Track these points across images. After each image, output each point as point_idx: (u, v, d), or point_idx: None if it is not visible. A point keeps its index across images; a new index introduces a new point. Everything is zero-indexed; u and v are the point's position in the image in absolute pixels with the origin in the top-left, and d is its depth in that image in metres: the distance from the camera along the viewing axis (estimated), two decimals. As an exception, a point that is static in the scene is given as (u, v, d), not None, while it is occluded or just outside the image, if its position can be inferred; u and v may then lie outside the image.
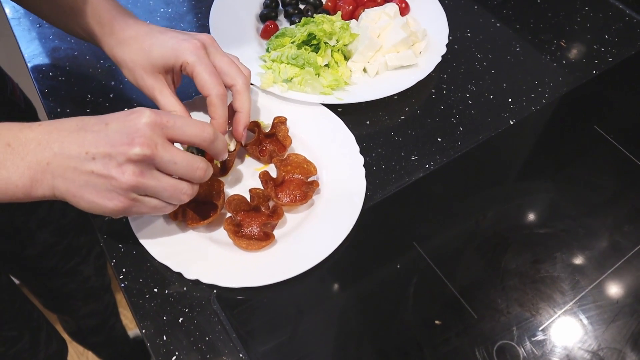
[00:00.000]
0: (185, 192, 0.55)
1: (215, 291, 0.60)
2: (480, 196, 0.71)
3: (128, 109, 0.76)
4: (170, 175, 0.54)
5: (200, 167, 0.55)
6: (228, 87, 0.65)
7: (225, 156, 0.60)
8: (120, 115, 0.52)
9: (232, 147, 0.68)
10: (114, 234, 0.65)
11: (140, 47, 0.64)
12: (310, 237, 0.63)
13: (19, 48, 0.84)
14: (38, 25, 0.87)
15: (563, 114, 0.81)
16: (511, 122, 0.78)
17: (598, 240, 0.67)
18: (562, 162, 0.75)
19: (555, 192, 0.72)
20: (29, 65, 0.82)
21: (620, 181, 0.74)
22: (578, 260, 0.64)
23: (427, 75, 0.79)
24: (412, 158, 0.73)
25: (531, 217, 0.69)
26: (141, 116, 0.51)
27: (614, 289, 0.63)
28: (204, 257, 0.61)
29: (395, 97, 0.79)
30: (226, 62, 0.65)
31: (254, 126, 0.70)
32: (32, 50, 0.84)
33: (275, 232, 0.63)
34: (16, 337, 0.89)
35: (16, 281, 1.00)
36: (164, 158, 0.51)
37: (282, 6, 0.89)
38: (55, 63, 0.82)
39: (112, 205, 0.51)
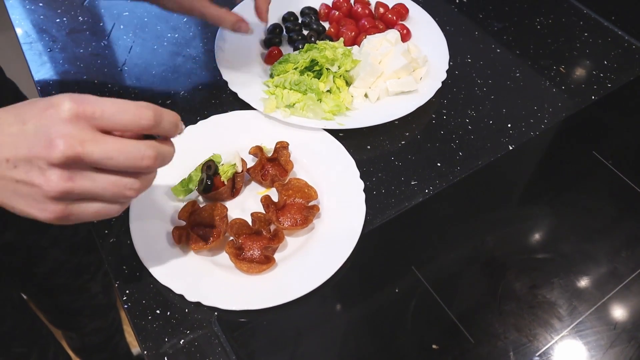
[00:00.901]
0: (130, 187, 0.47)
1: (216, 313, 0.61)
2: (479, 221, 0.72)
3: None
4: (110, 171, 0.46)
5: (147, 156, 0.46)
6: None
7: (177, 133, 0.50)
8: (39, 110, 0.44)
9: (239, 168, 0.69)
10: (119, 256, 0.66)
11: None
12: (310, 260, 0.64)
13: (30, 71, 0.87)
14: (49, 50, 0.89)
15: (562, 140, 0.82)
16: (510, 148, 0.79)
17: (596, 266, 0.67)
18: (561, 188, 0.76)
19: (554, 217, 0.73)
20: (39, 88, 0.84)
21: (619, 207, 0.74)
22: (576, 286, 0.65)
23: (428, 101, 0.81)
24: (412, 183, 0.74)
25: (529, 242, 0.70)
26: (60, 110, 0.43)
27: (612, 315, 0.63)
28: (205, 280, 0.63)
29: (396, 122, 0.80)
30: None
31: (257, 150, 0.72)
32: (43, 74, 0.86)
33: (276, 256, 0.65)
34: (25, 353, 0.90)
35: (23, 297, 1.02)
36: (95, 155, 0.43)
37: (285, 32, 0.91)
38: (65, 87, 0.84)
39: (43, 216, 0.45)
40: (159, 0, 0.71)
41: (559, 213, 0.73)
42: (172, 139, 0.50)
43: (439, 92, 0.83)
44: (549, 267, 0.67)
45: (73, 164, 0.43)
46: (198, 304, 0.61)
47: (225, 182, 0.68)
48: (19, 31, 0.92)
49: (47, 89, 0.84)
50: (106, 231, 0.68)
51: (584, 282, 0.65)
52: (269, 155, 0.73)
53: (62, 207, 0.45)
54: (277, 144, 0.73)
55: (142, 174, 0.48)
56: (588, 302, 0.64)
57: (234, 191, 0.70)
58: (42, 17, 0.94)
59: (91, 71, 0.87)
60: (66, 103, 0.43)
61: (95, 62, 0.89)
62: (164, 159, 0.48)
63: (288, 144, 0.73)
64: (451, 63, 0.88)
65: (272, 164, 0.73)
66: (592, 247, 0.69)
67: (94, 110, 0.43)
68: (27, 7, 0.96)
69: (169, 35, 0.93)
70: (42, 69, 0.87)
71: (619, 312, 0.63)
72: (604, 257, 0.68)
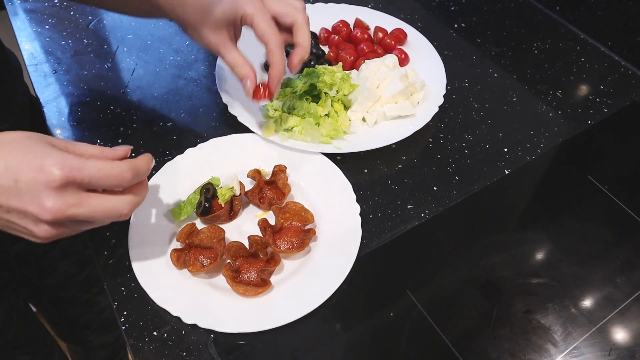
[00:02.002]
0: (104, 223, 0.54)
1: (212, 336, 0.62)
2: (474, 245, 0.72)
3: (136, 155, 0.80)
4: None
5: (124, 214, 0.52)
6: (289, 26, 0.70)
7: (146, 175, 0.56)
8: (30, 171, 0.48)
9: (237, 191, 0.70)
10: (117, 277, 0.67)
11: (200, 5, 0.66)
12: (305, 284, 0.65)
13: (35, 93, 0.89)
14: (54, 72, 0.91)
15: (558, 164, 0.83)
16: (506, 172, 0.80)
17: (591, 291, 0.68)
18: (556, 212, 0.77)
19: (549, 242, 0.74)
20: (44, 109, 0.86)
21: (614, 232, 0.75)
22: (570, 311, 0.65)
23: (425, 125, 0.82)
24: (408, 207, 0.75)
25: (524, 266, 0.70)
26: (50, 178, 0.47)
27: (607, 341, 0.63)
28: (202, 302, 0.63)
29: (393, 146, 0.81)
30: (282, 5, 0.69)
31: (255, 174, 0.73)
32: (47, 96, 0.87)
33: (272, 279, 0.65)
34: None
35: (33, 308, 1.02)
36: (80, 216, 0.50)
37: (286, 56, 0.92)
38: (68, 109, 0.86)
39: (37, 241, 0.52)
40: (186, 29, 0.71)
41: (554, 238, 0.74)
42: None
43: (436, 116, 0.84)
44: (544, 291, 0.67)
45: (61, 222, 0.49)
46: (195, 326, 0.62)
47: (223, 205, 0.69)
48: (25, 53, 0.94)
49: (51, 110, 0.85)
50: (105, 252, 0.69)
51: (578, 307, 0.66)
52: (267, 178, 0.74)
53: (51, 239, 0.52)
54: (275, 167, 0.74)
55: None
56: (583, 327, 0.64)
57: (231, 214, 0.71)
58: (47, 39, 0.96)
59: (95, 93, 0.88)
60: (56, 171, 0.47)
61: (98, 83, 0.90)
62: (136, 207, 0.55)
63: (286, 168, 0.74)
64: (449, 87, 0.90)
65: (269, 187, 0.74)
66: (587, 272, 0.70)
67: (82, 178, 0.49)
68: (34, 29, 0.98)
69: (171, 58, 0.95)
70: (46, 90, 0.88)
71: (614, 338, 0.64)
72: (599, 282, 0.69)
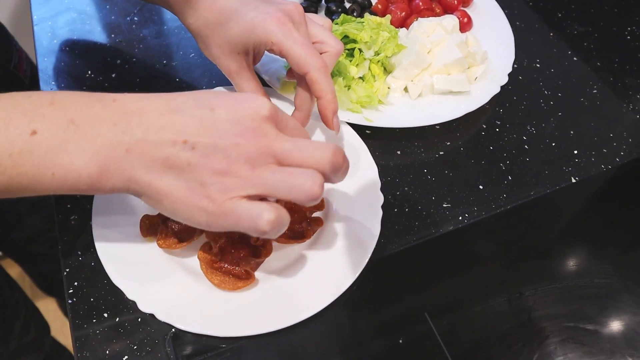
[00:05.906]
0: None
1: (173, 330, 0.50)
2: (518, 268, 0.58)
3: (129, 92, 0.67)
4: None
5: (338, 152, 0.41)
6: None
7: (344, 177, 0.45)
8: (229, 100, 0.41)
9: None
10: (77, 238, 0.55)
11: (217, 20, 0.54)
12: (299, 286, 0.52)
13: (30, 10, 0.77)
14: (57, -12, 0.79)
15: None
16: (573, 180, 0.64)
17: (663, 351, 0.52)
18: (631, 242, 0.61)
19: (617, 279, 0.58)
20: (35, 28, 0.74)
21: (702, 277, 0.59)
22: (633, 374, 0.51)
23: (480, 107, 0.67)
24: (444, 205, 0.60)
25: (580, 306, 0.55)
26: (260, 107, 0.41)
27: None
28: (167, 288, 0.51)
29: (437, 127, 0.66)
30: (317, 31, 0.56)
31: None
32: (43, 14, 0.76)
33: (258, 272, 0.52)
34: None
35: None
36: (285, 148, 0.40)
37: (324, 2, 0.78)
38: (63, 32, 0.74)
39: (204, 215, 0.40)
40: (197, 41, 0.59)
41: (624, 275, 0.58)
42: None
43: (495, 99, 0.69)
44: (600, 344, 0.52)
45: (263, 156, 0.40)
46: (153, 316, 0.49)
47: None
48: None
49: (43, 30, 0.73)
50: (68, 205, 0.57)
51: (644, 370, 0.51)
52: None
53: (234, 204, 0.40)
54: None
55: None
56: (646, 398, 0.49)
57: None
58: (56, -52, 0.84)
59: (97, 17, 0.76)
60: (268, 103, 0.42)
61: (103, 7, 0.78)
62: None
63: None
64: (515, 65, 0.74)
65: None
66: (660, 324, 0.54)
67: (287, 122, 0.44)
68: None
69: None
70: (43, 7, 0.77)
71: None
72: (674, 340, 0.53)
